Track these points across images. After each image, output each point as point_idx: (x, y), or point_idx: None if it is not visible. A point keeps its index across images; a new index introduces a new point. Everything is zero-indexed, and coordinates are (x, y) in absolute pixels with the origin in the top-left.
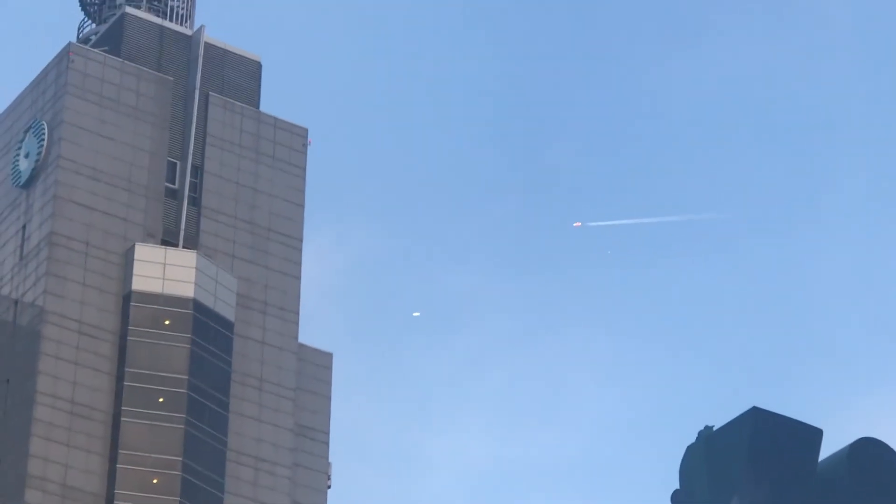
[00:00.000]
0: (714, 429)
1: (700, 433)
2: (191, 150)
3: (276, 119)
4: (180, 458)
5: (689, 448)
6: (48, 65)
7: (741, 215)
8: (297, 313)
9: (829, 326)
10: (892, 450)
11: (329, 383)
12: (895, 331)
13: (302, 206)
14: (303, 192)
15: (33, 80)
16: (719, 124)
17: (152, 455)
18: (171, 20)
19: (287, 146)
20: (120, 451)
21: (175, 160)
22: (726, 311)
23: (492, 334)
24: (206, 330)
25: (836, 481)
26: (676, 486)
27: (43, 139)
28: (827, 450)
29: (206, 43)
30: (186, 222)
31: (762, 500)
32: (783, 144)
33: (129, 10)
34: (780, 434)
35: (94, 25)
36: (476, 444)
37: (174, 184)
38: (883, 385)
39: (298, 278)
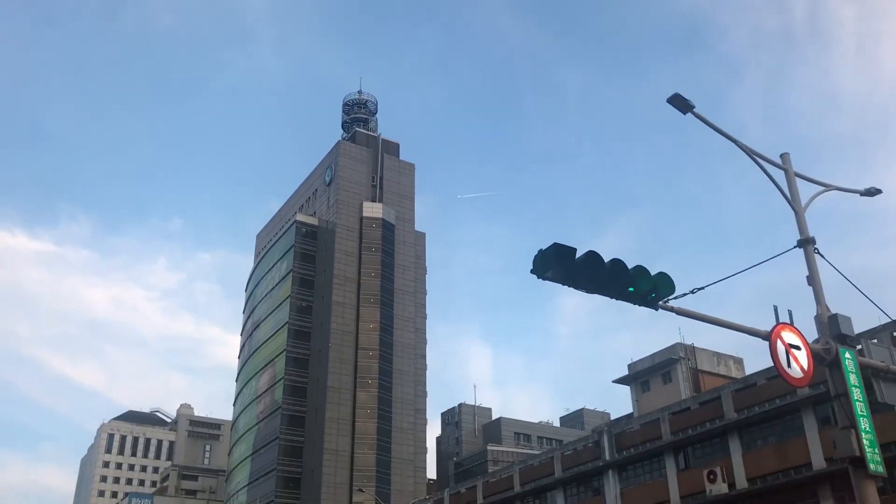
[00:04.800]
0: (542, 249)
1: (540, 250)
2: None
3: (412, 165)
4: None
5: (539, 252)
6: (330, 151)
7: None
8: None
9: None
10: (596, 253)
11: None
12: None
13: (412, 197)
14: (412, 186)
15: (324, 157)
16: None
17: None
18: (369, 129)
19: (409, 175)
20: None
21: (375, 185)
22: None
23: None
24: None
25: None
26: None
27: (331, 176)
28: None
29: (382, 139)
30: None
31: (552, 276)
32: None
33: (358, 129)
34: (562, 250)
35: (345, 135)
36: None
37: (374, 181)
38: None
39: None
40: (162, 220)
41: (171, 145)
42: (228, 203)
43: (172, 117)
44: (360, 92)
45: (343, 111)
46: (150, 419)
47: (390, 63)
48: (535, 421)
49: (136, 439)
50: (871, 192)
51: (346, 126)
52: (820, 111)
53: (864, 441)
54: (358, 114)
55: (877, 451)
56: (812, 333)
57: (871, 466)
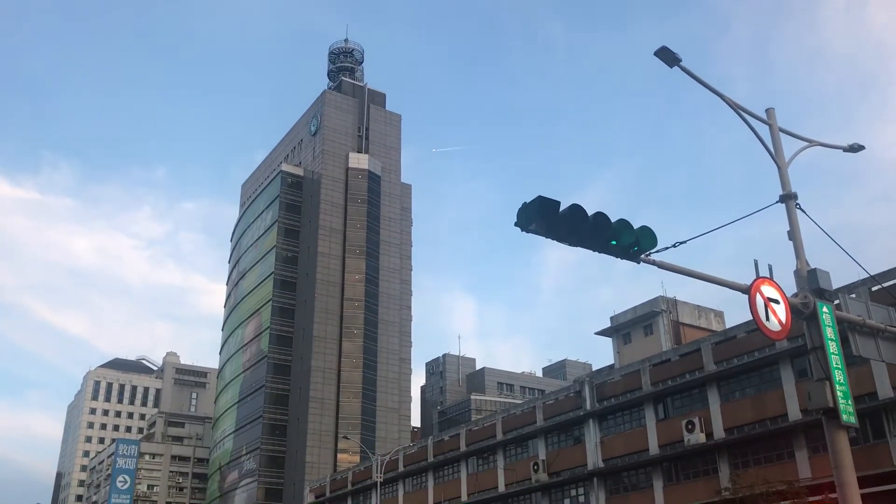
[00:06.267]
0: (526, 202)
1: (524, 203)
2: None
3: (398, 116)
4: None
5: (523, 204)
6: (316, 100)
7: None
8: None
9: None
10: (580, 206)
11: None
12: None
13: (398, 149)
14: (399, 138)
15: (310, 107)
16: None
17: None
18: (355, 78)
19: (396, 126)
20: None
21: (361, 135)
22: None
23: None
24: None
25: (566, 218)
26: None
27: (317, 126)
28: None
29: (368, 89)
30: (370, 152)
31: (536, 228)
32: None
33: (344, 79)
34: (545, 203)
35: (331, 84)
36: None
37: (360, 132)
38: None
39: (398, 149)
40: (145, 169)
41: (154, 93)
42: (213, 152)
43: (156, 64)
44: (346, 40)
45: (329, 60)
46: (137, 367)
47: (377, 12)
48: (519, 371)
49: (122, 386)
50: (854, 149)
51: (332, 75)
52: (806, 67)
53: (838, 393)
54: (344, 63)
55: (850, 402)
56: (791, 288)
57: (844, 417)
